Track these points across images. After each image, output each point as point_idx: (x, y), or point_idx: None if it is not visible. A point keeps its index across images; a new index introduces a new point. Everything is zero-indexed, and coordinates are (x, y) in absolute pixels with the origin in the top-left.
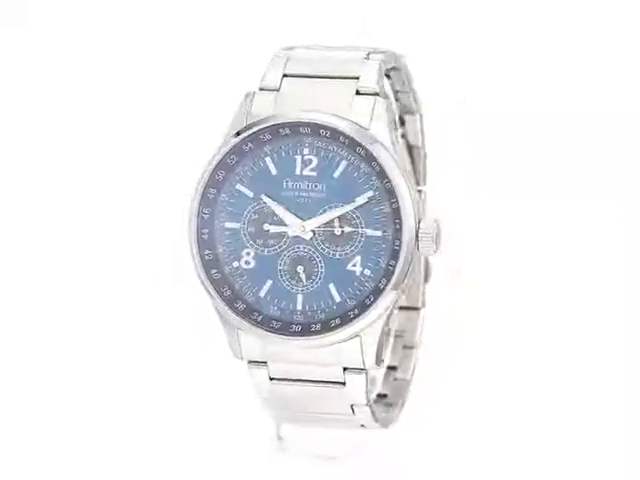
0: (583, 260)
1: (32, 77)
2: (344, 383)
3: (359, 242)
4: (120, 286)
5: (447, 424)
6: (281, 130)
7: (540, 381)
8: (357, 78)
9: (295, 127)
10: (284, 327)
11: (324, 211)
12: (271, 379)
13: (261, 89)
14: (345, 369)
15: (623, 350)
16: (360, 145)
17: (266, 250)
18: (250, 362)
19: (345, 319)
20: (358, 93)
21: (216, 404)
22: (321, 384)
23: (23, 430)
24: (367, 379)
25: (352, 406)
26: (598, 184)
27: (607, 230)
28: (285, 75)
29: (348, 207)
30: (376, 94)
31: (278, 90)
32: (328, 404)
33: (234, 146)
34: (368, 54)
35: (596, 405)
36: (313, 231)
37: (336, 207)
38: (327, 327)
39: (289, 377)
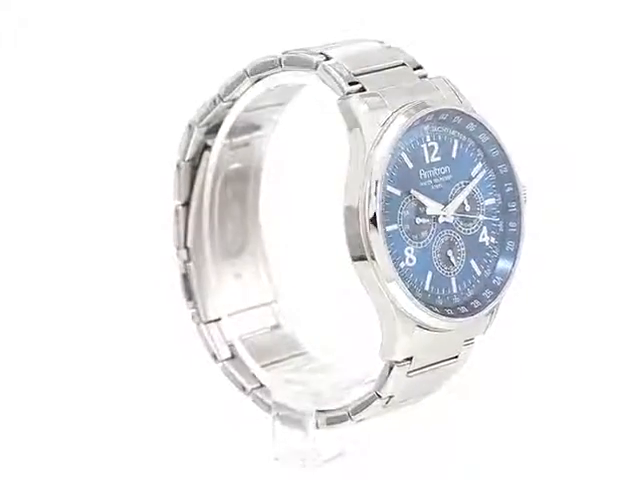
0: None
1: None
2: (457, 356)
3: (482, 214)
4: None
5: (447, 424)
6: (414, 123)
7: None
8: (404, 65)
9: (422, 117)
10: (455, 312)
11: (455, 193)
12: (408, 373)
13: (349, 93)
14: (465, 341)
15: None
16: (473, 120)
17: (421, 243)
18: (396, 362)
19: (495, 289)
20: (420, 77)
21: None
22: (441, 363)
23: (22, 429)
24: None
25: (448, 379)
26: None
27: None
28: (355, 75)
29: (473, 183)
30: (425, 75)
31: (365, 90)
32: (438, 381)
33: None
34: (381, 43)
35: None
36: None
37: (462, 186)
38: (484, 301)
39: (421, 366)
